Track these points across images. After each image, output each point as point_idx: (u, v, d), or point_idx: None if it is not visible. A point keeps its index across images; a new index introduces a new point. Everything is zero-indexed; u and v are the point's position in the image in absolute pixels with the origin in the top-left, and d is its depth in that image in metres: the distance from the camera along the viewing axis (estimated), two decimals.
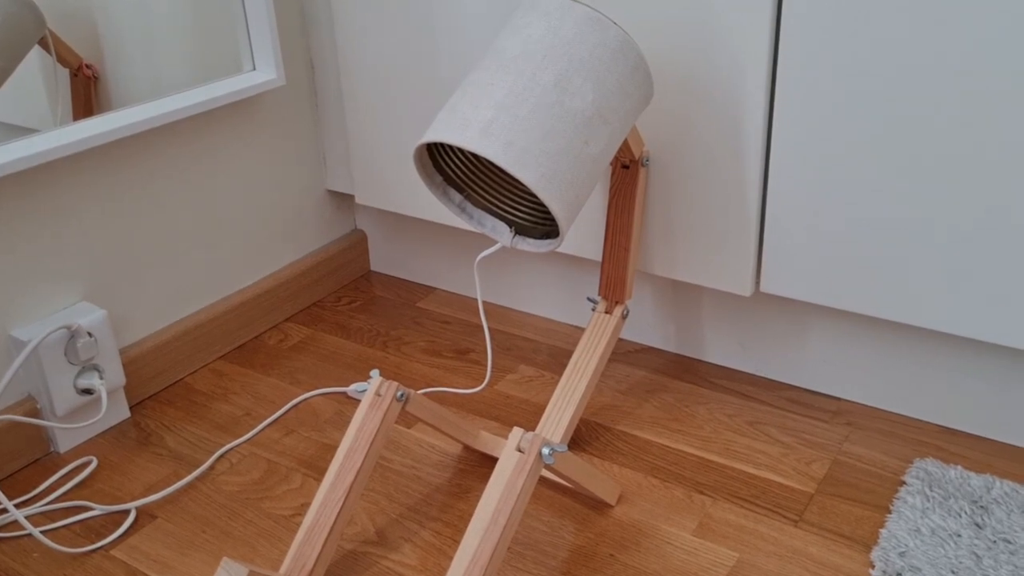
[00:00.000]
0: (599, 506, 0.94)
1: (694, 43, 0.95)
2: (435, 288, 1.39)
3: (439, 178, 0.90)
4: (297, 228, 1.34)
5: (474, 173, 0.91)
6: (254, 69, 1.20)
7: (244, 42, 1.18)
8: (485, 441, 1.00)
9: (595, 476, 0.92)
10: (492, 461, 1.02)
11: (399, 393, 0.87)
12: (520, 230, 0.90)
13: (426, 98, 1.18)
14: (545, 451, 0.79)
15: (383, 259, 1.44)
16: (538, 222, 0.91)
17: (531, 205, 0.91)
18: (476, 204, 0.91)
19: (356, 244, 1.42)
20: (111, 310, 1.10)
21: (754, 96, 0.94)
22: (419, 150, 0.85)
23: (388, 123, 1.23)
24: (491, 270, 1.32)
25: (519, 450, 0.79)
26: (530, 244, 0.89)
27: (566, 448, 0.80)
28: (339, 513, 0.84)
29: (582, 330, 1.26)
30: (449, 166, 0.90)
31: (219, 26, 1.15)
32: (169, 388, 1.17)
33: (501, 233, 0.90)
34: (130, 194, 1.10)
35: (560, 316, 1.28)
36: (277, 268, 1.32)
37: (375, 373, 0.89)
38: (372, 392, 0.87)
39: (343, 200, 1.41)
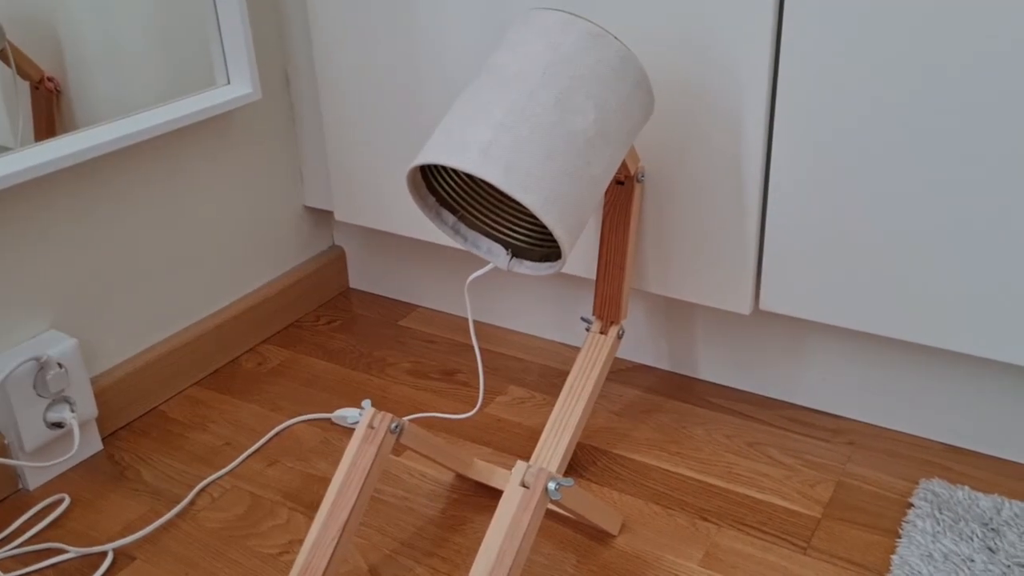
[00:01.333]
0: (601, 536, 0.91)
1: (693, 57, 0.93)
2: (417, 306, 1.35)
3: (432, 200, 0.86)
4: (273, 246, 1.29)
5: (468, 193, 0.87)
6: (228, 83, 1.15)
7: (218, 55, 1.13)
8: (480, 470, 0.97)
9: (597, 506, 0.89)
10: (487, 490, 0.98)
11: (393, 425, 0.83)
12: (516, 252, 0.87)
13: (407, 111, 1.14)
14: (551, 486, 0.76)
15: (362, 276, 1.39)
16: (535, 243, 0.87)
17: (528, 226, 0.88)
18: (470, 225, 0.88)
19: (334, 261, 1.37)
20: (81, 338, 1.05)
21: (754, 109, 0.92)
22: (412, 172, 0.81)
23: (368, 137, 1.19)
24: (475, 286, 1.28)
25: (523, 485, 0.76)
26: (528, 267, 0.85)
27: (572, 482, 0.76)
28: (332, 555, 0.79)
29: (570, 348, 1.23)
30: (442, 186, 0.86)
31: (188, 38, 1.10)
32: (143, 417, 1.12)
33: (497, 255, 0.86)
34: (99, 215, 1.05)
35: (547, 334, 1.25)
36: (253, 288, 1.27)
37: (367, 403, 0.85)
38: (365, 424, 0.83)
39: (320, 216, 1.36)
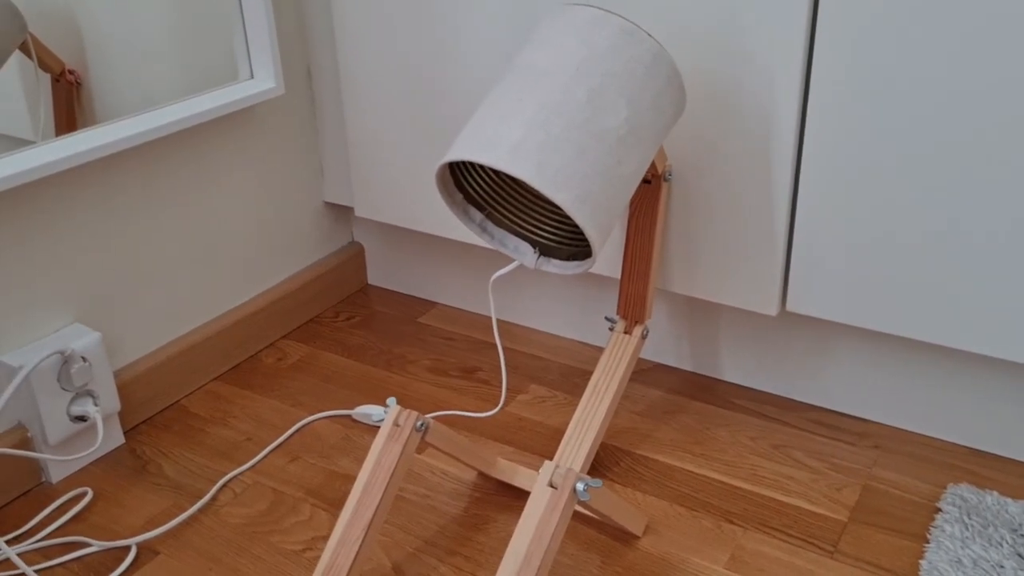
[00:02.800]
0: (625, 537, 0.91)
1: (724, 54, 0.92)
2: (436, 303, 1.35)
3: (460, 197, 0.85)
4: (293, 242, 1.29)
5: (496, 191, 0.87)
6: (252, 77, 1.14)
7: (241, 49, 1.13)
8: (503, 469, 0.96)
9: (622, 507, 0.88)
10: (510, 489, 0.98)
11: (419, 423, 0.83)
12: (544, 250, 0.86)
13: (430, 107, 1.14)
14: (580, 486, 0.75)
15: (380, 272, 1.39)
16: (563, 242, 0.87)
17: (556, 225, 0.87)
18: (497, 223, 0.87)
19: (353, 257, 1.37)
20: (104, 332, 1.05)
21: (785, 110, 0.91)
22: (441, 169, 0.81)
23: (390, 133, 1.18)
24: (496, 284, 1.28)
25: (551, 485, 0.75)
26: (556, 266, 0.84)
27: (600, 483, 0.76)
28: (358, 552, 0.79)
29: (591, 347, 1.22)
30: (470, 184, 0.86)
31: (211, 32, 1.10)
32: (164, 412, 1.12)
33: (524, 254, 0.86)
34: (120, 209, 1.04)
35: (567, 332, 1.25)
36: (273, 284, 1.27)
37: (392, 401, 0.84)
38: (390, 422, 0.83)
39: (340, 212, 1.36)
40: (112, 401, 1.02)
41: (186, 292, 1.14)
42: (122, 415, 1.07)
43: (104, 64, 1.00)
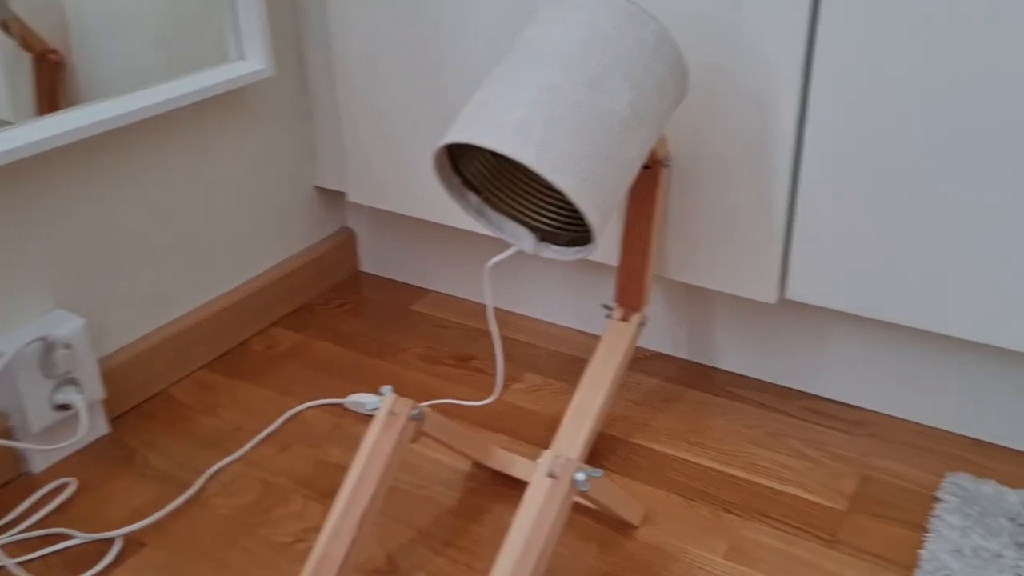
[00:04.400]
0: (622, 527, 0.89)
1: (724, 38, 0.90)
2: (429, 290, 1.33)
3: (457, 180, 0.83)
4: (284, 227, 1.26)
5: (494, 174, 0.85)
6: (242, 58, 1.12)
7: (230, 29, 1.10)
8: (499, 459, 0.95)
9: (619, 497, 0.87)
10: (505, 479, 0.96)
11: (414, 412, 0.81)
12: (543, 236, 0.85)
13: (427, 90, 1.11)
14: (580, 477, 0.74)
15: (372, 259, 1.37)
16: (562, 228, 0.85)
17: (555, 210, 0.86)
18: (495, 207, 0.85)
19: (344, 243, 1.35)
20: (87, 318, 1.02)
21: (786, 94, 0.89)
22: (440, 151, 0.79)
23: (384, 117, 1.16)
24: (490, 271, 1.26)
25: (551, 476, 0.74)
26: (555, 252, 0.83)
27: (601, 472, 0.74)
28: (351, 543, 0.77)
29: (586, 335, 1.21)
30: (467, 166, 0.84)
31: (199, 11, 1.07)
32: (150, 400, 1.09)
33: (523, 239, 0.84)
34: (107, 192, 1.02)
35: (562, 320, 1.23)
36: (263, 270, 1.25)
37: (387, 389, 0.82)
38: (386, 411, 0.81)
39: (332, 197, 1.34)
40: (96, 389, 1.00)
41: (173, 278, 1.12)
42: (107, 403, 1.04)
43: (88, 44, 0.98)
